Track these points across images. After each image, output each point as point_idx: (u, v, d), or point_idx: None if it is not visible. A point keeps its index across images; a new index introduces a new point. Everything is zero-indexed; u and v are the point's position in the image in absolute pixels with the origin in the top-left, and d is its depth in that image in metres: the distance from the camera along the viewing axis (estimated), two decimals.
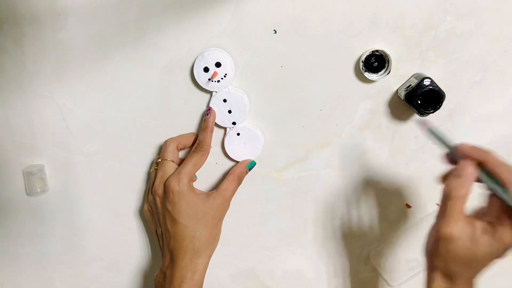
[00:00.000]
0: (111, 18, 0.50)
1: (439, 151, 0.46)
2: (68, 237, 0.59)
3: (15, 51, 0.52)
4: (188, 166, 0.51)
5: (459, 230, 0.38)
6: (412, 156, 0.55)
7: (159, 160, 0.53)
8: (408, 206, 0.57)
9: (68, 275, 0.60)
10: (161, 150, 0.54)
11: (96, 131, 0.55)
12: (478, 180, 0.40)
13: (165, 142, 0.53)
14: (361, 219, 0.57)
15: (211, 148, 0.53)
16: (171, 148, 0.52)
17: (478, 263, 0.39)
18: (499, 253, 0.39)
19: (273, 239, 0.58)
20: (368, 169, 0.55)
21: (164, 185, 0.51)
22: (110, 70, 0.52)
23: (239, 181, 0.53)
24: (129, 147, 0.55)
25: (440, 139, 0.42)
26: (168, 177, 0.51)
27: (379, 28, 0.50)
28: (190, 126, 0.54)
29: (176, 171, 0.51)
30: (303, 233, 0.58)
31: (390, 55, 0.49)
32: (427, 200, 0.56)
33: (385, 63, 0.50)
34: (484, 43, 0.50)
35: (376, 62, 0.50)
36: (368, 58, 0.50)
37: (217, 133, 0.54)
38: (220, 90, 0.52)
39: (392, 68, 0.50)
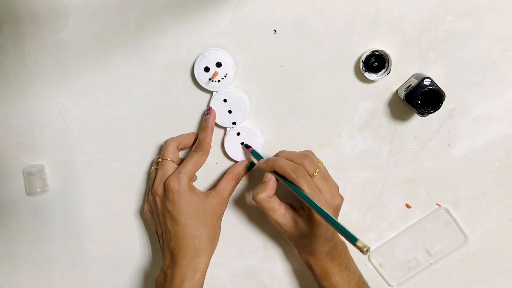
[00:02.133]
0: (111, 18, 0.50)
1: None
2: (68, 237, 0.59)
3: (15, 51, 0.52)
4: (188, 166, 0.51)
5: (280, 218, 0.49)
6: (412, 156, 0.55)
7: (159, 160, 0.53)
8: (408, 206, 0.57)
9: (68, 275, 0.60)
10: (161, 150, 0.54)
11: (96, 131, 0.55)
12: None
13: (165, 142, 0.53)
14: (361, 219, 0.57)
15: (211, 148, 0.53)
16: (171, 148, 0.53)
17: (314, 239, 0.48)
18: (323, 229, 0.48)
19: (273, 239, 0.58)
20: (368, 169, 0.55)
21: (164, 184, 0.51)
22: (110, 70, 0.52)
23: (237, 181, 0.54)
24: (129, 147, 0.55)
25: (256, 158, 0.52)
26: (168, 177, 0.51)
27: (379, 28, 0.50)
28: (190, 126, 0.54)
29: (176, 171, 0.51)
30: None
31: (390, 55, 0.49)
32: (427, 200, 0.56)
33: (385, 63, 0.50)
34: (484, 43, 0.50)
35: (376, 62, 0.50)
36: (368, 58, 0.50)
37: (217, 133, 0.54)
38: (221, 90, 0.52)
39: (392, 68, 0.50)
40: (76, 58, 0.52)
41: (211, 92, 0.52)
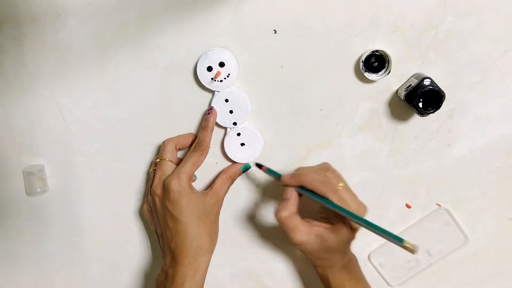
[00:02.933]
0: (111, 18, 0.50)
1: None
2: (68, 237, 0.59)
3: (15, 51, 0.52)
4: (187, 166, 0.51)
5: (303, 237, 0.47)
6: (412, 156, 0.55)
7: (158, 160, 0.53)
8: (408, 206, 0.57)
9: (68, 275, 0.60)
10: (160, 150, 0.54)
11: (96, 131, 0.55)
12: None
13: (164, 142, 0.54)
14: None
15: (210, 148, 0.53)
16: (169, 148, 0.53)
17: (336, 252, 0.48)
18: (349, 240, 0.48)
19: (273, 239, 0.58)
20: (368, 169, 0.55)
21: (164, 184, 0.51)
22: (110, 70, 0.52)
23: (232, 181, 0.54)
24: (129, 147, 0.55)
25: (273, 175, 0.52)
26: (167, 177, 0.51)
27: (379, 28, 0.50)
28: (190, 126, 0.54)
29: (176, 171, 0.51)
30: None
31: (390, 55, 0.49)
32: (427, 200, 0.56)
33: (385, 63, 0.50)
34: (484, 43, 0.50)
35: (376, 62, 0.50)
36: (368, 58, 0.50)
37: (217, 133, 0.54)
38: (223, 90, 0.52)
39: (392, 68, 0.50)
40: (76, 58, 0.52)
41: (212, 92, 0.52)
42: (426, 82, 0.48)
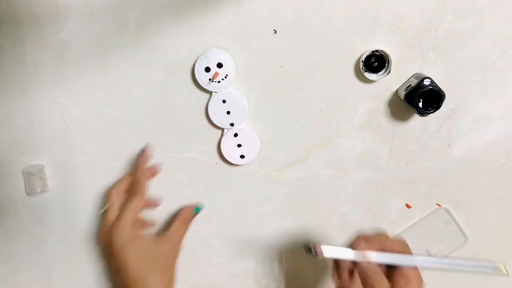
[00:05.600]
0: (111, 18, 0.50)
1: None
2: (68, 237, 0.59)
3: (15, 51, 0.52)
4: (127, 214, 0.49)
5: None
6: (412, 156, 0.55)
7: (106, 208, 0.51)
8: (408, 206, 0.57)
9: (68, 275, 0.60)
10: (106, 199, 0.53)
11: (96, 131, 0.55)
12: None
13: (107, 192, 0.52)
14: (361, 219, 0.57)
15: (209, 148, 0.53)
16: (114, 197, 0.52)
17: None
18: None
19: (273, 239, 0.58)
20: (368, 169, 0.55)
21: (106, 237, 0.49)
22: (110, 70, 0.52)
23: (187, 226, 0.53)
24: (129, 147, 0.55)
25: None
26: (110, 228, 0.49)
27: (379, 28, 0.50)
28: (190, 126, 0.54)
29: (116, 221, 0.49)
30: (303, 233, 0.58)
31: (390, 55, 0.49)
32: (427, 200, 0.56)
33: (385, 63, 0.50)
34: (484, 43, 0.50)
35: (376, 62, 0.50)
36: (368, 58, 0.50)
37: (214, 134, 0.54)
38: (220, 90, 0.52)
39: (392, 68, 0.50)
40: (76, 58, 0.52)
41: (210, 93, 0.52)
42: (426, 82, 0.48)
